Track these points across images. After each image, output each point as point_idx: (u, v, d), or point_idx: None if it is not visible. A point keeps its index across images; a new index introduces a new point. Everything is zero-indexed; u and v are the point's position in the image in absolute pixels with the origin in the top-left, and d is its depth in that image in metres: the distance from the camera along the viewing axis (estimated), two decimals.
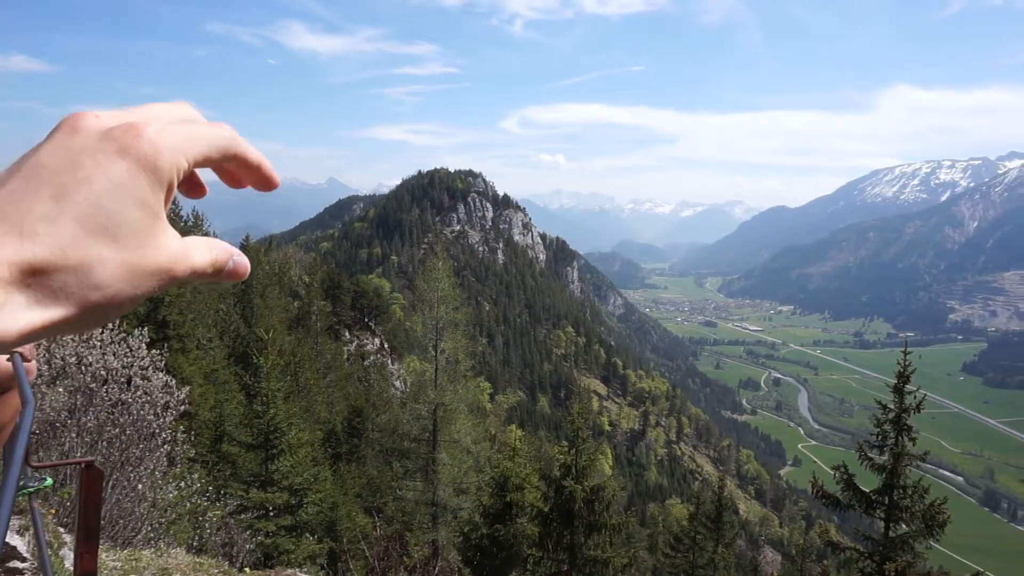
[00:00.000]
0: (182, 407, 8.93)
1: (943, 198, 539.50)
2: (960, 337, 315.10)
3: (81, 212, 0.46)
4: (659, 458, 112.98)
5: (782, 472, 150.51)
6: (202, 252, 0.53)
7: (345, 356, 45.29)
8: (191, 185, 0.59)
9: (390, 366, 52.84)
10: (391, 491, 22.99)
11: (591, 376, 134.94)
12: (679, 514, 49.74)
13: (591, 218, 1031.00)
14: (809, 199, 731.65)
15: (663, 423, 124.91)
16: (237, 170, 0.59)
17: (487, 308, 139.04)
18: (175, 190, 0.53)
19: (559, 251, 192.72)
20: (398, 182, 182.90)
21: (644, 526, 53.70)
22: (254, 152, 0.59)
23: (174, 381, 9.02)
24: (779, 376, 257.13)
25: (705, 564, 21.64)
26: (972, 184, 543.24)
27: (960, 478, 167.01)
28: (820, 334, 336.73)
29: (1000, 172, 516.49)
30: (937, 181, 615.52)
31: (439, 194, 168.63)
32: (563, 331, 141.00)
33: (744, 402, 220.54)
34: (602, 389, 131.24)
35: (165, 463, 9.93)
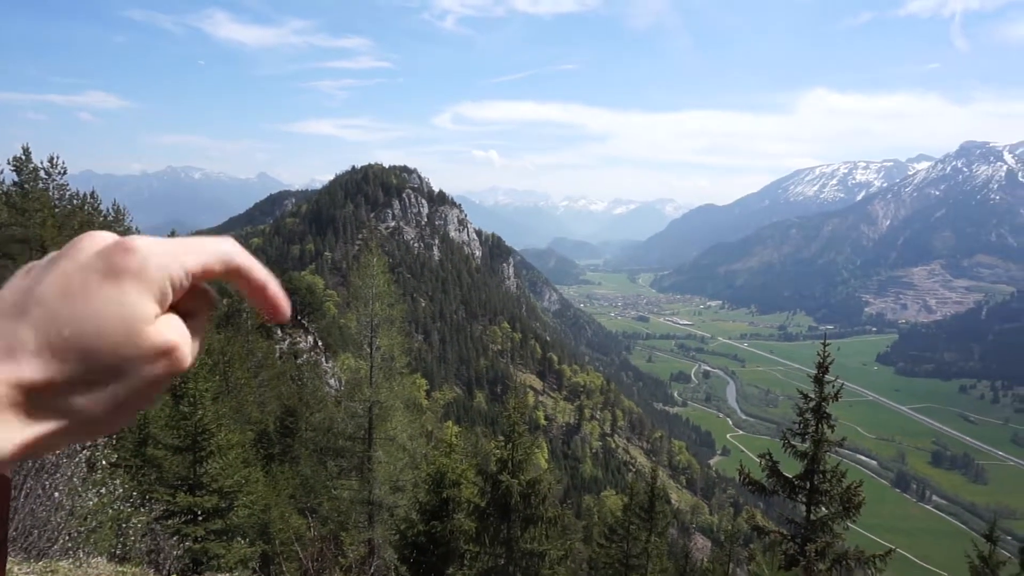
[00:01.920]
0: None
1: (859, 197, 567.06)
2: (874, 329, 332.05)
3: (70, 335, 0.51)
4: (594, 451, 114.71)
5: (712, 462, 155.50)
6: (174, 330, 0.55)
7: (277, 354, 44.03)
8: (199, 297, 0.60)
9: (324, 364, 51.61)
10: (326, 491, 22.52)
11: (527, 371, 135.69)
12: (613, 505, 50.62)
13: (526, 215, 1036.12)
14: (736, 197, 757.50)
15: (598, 416, 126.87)
16: (242, 287, 0.60)
17: (423, 304, 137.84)
18: (172, 295, 0.56)
19: (495, 247, 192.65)
20: (331, 177, 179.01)
21: (580, 518, 54.52)
22: (260, 271, 0.60)
23: None
24: (708, 369, 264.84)
25: (639, 553, 22.05)
26: (885, 184, 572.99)
27: (874, 462, 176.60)
28: (747, 328, 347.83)
29: (910, 173, 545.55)
30: (854, 181, 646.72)
31: (373, 190, 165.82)
32: (499, 327, 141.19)
33: (676, 394, 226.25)
34: (538, 384, 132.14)
35: (85, 469, 9.47)
